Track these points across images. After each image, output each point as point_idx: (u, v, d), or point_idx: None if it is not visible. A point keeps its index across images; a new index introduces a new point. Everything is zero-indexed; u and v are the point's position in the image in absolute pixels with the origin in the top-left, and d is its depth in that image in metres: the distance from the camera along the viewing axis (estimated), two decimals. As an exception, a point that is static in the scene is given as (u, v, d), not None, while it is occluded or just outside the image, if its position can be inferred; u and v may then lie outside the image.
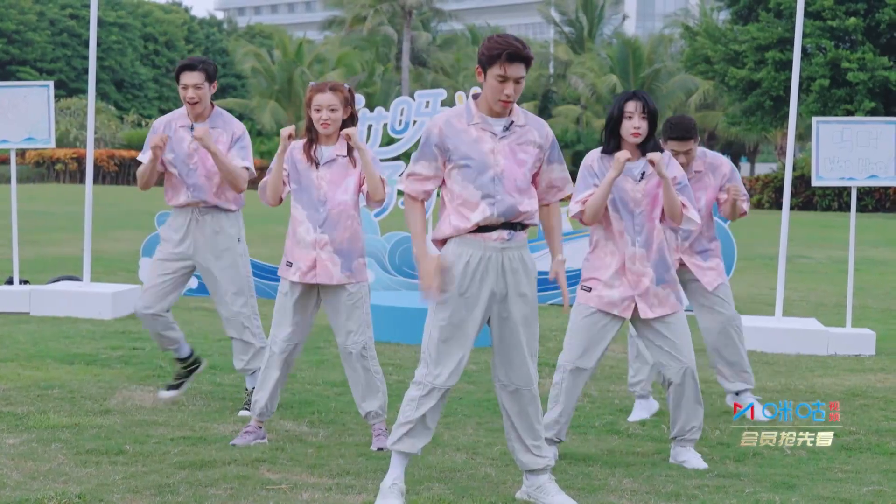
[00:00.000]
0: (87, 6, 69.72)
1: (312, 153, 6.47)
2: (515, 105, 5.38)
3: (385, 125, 13.22)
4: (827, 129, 10.85)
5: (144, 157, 7.27)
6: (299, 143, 6.54)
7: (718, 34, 49.59)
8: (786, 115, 43.47)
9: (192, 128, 7.26)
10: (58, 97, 60.18)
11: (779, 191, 46.33)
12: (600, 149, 6.27)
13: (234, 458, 6.06)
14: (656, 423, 7.34)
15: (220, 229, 7.32)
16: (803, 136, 49.30)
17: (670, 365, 6.25)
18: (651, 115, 6.13)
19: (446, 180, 5.37)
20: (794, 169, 41.54)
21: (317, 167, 6.46)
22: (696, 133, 7.36)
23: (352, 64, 68.42)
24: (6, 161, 44.82)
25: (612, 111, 6.20)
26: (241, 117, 73.64)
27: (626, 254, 6.16)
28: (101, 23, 72.09)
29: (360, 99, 13.48)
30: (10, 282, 12.17)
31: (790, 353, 10.43)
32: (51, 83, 11.88)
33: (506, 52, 5.13)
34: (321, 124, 6.42)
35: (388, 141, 13.28)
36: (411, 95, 13.77)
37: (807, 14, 41.93)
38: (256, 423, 6.58)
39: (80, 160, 55.30)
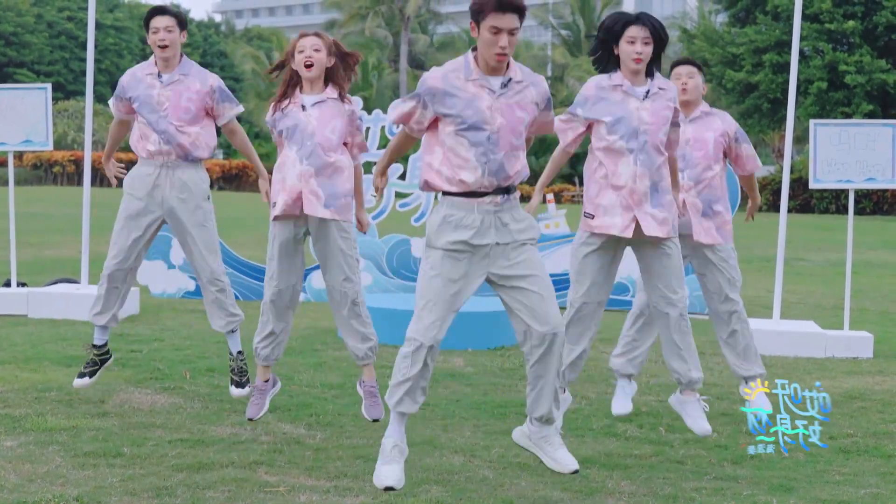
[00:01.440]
0: (85, 8, 69.71)
1: (285, 104, 6.46)
2: (512, 60, 5.29)
3: (383, 128, 13.23)
4: (825, 132, 10.86)
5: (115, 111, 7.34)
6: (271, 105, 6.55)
7: (716, 37, 49.65)
8: (783, 118, 43.50)
9: (159, 75, 7.17)
10: (55, 99, 60.16)
11: (777, 193, 46.33)
12: (599, 77, 6.24)
13: (231, 461, 6.06)
14: (654, 425, 7.34)
15: (189, 183, 7.19)
16: (801, 138, 49.30)
17: (659, 301, 6.24)
18: (657, 41, 6.08)
19: (440, 131, 5.29)
20: (791, 171, 41.49)
21: (303, 109, 6.45)
22: (699, 66, 7.45)
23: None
24: (4, 163, 44.78)
25: (608, 26, 6.14)
26: (238, 120, 73.76)
27: (627, 173, 6.09)
28: (98, 25, 72.09)
29: (357, 101, 13.49)
30: (7, 284, 12.16)
31: (788, 356, 10.43)
32: (48, 85, 11.88)
33: (496, 0, 5.07)
34: (304, 64, 6.35)
35: (385, 143, 13.27)
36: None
37: (804, 17, 41.96)
38: (262, 379, 6.57)
39: (78, 162, 55.28)
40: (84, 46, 64.53)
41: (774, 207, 45.76)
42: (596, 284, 6.35)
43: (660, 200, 6.14)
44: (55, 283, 12.60)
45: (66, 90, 72.62)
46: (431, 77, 5.26)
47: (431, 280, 5.27)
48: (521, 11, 5.12)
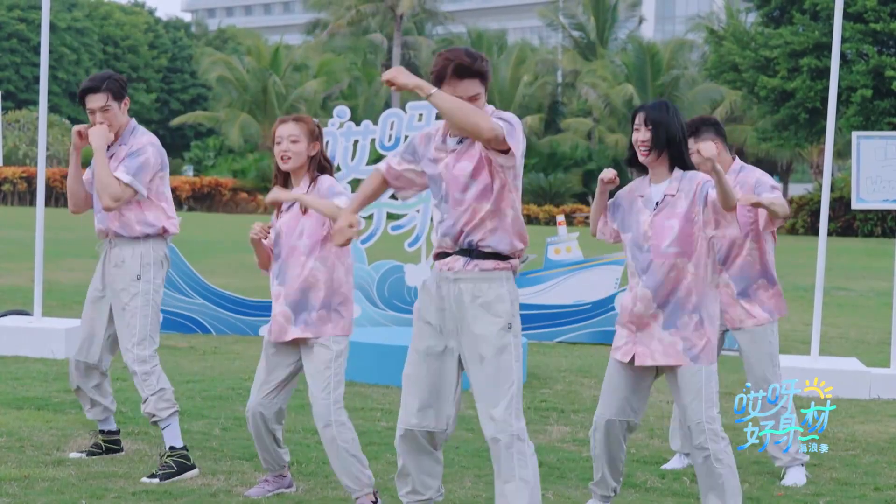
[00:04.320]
0: (38, 8, 69.86)
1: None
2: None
3: (373, 140, 13.22)
4: (869, 146, 10.87)
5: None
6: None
7: (747, 39, 49.74)
8: (823, 130, 43.57)
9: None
10: (5, 109, 60.24)
11: (815, 214, 46.41)
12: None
13: (202, 515, 6.06)
14: (677, 475, 7.35)
15: (120, 263, 7.16)
16: (842, 152, 49.46)
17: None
18: (655, 125, 5.97)
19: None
20: (832, 190, 41.56)
21: (280, 214, 6.49)
22: (711, 128, 7.25)
23: (335, 72, 68.52)
24: (-54, 181, 44.80)
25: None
26: (210, 132, 73.80)
27: (634, 294, 6.07)
28: (53, 27, 72.22)
29: (344, 111, 13.53)
30: (-50, 317, 12.16)
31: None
32: (-2, 94, 11.92)
33: (453, 64, 5.20)
34: (280, 157, 6.38)
35: (376, 158, 13.29)
36: (402, 107, 13.81)
37: (846, 16, 42.09)
38: (273, 475, 6.60)
39: (31, 180, 55.29)
40: (37, 50, 64.70)
41: (813, 230, 45.86)
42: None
43: (674, 321, 6.11)
44: (5, 315, 12.61)
45: (17, 99, 72.71)
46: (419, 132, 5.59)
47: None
48: (481, 76, 5.27)
